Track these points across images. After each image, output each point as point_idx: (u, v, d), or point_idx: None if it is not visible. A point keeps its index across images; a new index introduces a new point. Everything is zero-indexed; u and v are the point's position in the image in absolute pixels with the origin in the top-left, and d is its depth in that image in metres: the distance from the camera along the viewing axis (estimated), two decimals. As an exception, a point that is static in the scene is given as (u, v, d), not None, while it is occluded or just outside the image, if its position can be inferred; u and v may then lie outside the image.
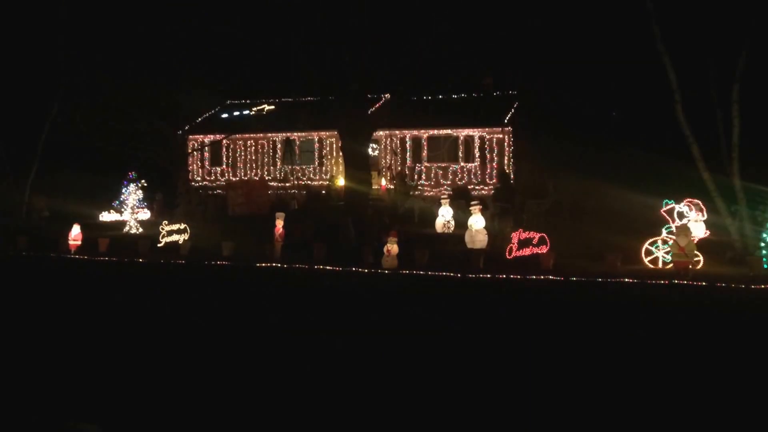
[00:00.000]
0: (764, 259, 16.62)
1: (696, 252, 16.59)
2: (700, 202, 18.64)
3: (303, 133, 33.81)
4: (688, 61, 19.99)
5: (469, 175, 31.03)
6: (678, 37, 19.54)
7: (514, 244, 18.44)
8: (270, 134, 34.56)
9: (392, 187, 30.06)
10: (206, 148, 34.96)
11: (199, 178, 34.92)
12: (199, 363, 9.65)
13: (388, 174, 31.70)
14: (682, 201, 18.43)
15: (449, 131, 31.54)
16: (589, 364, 9.52)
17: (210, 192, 32.66)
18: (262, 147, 34.65)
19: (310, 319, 12.73)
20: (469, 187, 30.26)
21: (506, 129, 30.85)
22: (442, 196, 25.27)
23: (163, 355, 10.19)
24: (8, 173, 29.38)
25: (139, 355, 10.12)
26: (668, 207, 18.23)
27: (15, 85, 28.78)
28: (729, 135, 19.06)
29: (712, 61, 19.12)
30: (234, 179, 33.99)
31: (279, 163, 34.19)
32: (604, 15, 24.33)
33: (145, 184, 28.91)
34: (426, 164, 31.42)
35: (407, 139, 32.01)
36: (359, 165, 25.19)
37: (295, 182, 33.03)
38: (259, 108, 36.11)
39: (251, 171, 34.51)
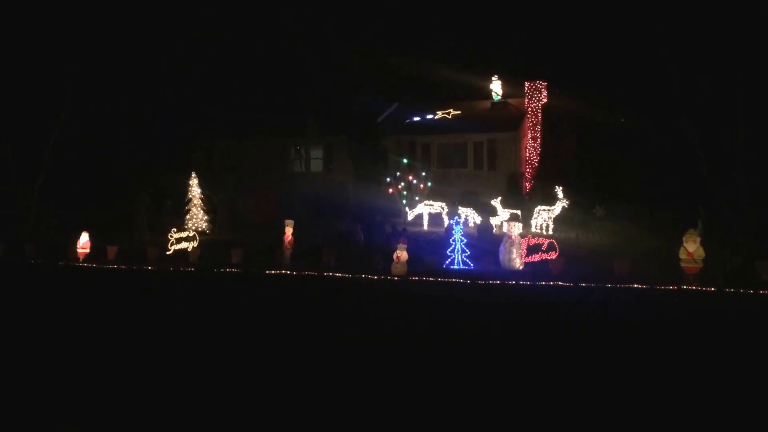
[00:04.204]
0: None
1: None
2: None
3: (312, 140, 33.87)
4: (694, 67, 20.05)
5: (478, 180, 30.91)
6: (684, 44, 19.63)
7: (523, 250, 18.45)
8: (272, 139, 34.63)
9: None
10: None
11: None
12: (201, 376, 9.65)
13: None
14: (689, 207, 18.46)
15: (459, 137, 31.54)
16: (595, 370, 9.52)
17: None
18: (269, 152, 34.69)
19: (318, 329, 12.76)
20: (478, 192, 30.23)
21: (516, 135, 30.83)
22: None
23: (165, 366, 10.20)
24: (16, 181, 29.44)
25: (139, 368, 10.12)
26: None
27: (23, 93, 28.85)
28: (735, 141, 19.11)
29: (716, 69, 19.21)
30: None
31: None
32: (612, 22, 24.41)
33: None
34: (435, 169, 31.35)
35: (417, 145, 31.92)
36: (368, 170, 25.24)
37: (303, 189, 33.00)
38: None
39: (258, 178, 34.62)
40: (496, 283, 16.93)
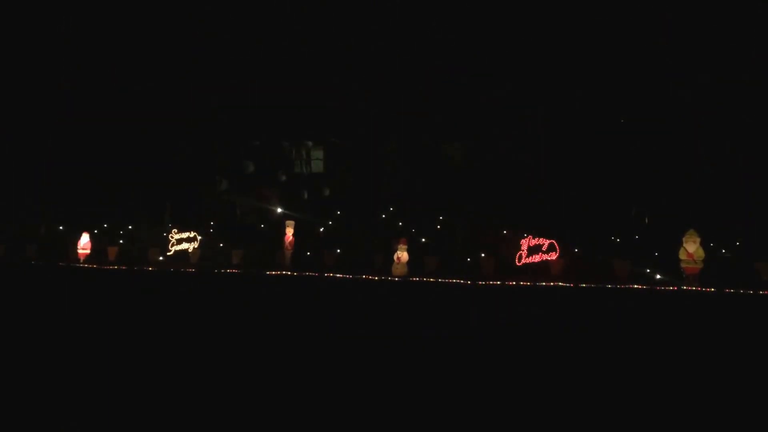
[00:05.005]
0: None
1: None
2: None
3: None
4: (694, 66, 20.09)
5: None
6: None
7: (523, 250, 18.46)
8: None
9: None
10: None
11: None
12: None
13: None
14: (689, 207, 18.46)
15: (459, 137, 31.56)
16: (596, 373, 9.53)
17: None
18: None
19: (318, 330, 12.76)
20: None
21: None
22: None
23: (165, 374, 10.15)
24: (16, 181, 29.37)
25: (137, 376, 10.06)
26: None
27: (22, 92, 28.80)
28: (735, 140, 19.13)
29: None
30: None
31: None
32: (612, 22, 24.38)
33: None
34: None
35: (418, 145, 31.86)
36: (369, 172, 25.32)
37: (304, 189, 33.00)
38: None
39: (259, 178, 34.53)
40: (497, 284, 16.95)
